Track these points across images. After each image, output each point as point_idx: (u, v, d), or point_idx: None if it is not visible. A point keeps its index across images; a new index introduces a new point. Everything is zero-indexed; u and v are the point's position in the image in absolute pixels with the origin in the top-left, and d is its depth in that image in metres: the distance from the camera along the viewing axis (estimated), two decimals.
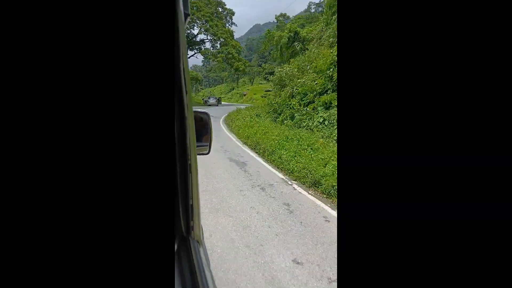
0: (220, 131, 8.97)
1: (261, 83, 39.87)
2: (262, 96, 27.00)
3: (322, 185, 3.61)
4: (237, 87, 43.36)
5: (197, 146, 1.26)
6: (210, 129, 1.25)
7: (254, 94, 31.16)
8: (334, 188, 3.43)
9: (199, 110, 1.26)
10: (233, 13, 29.59)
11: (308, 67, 9.60)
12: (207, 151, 1.28)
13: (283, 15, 38.04)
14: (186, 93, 0.42)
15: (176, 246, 0.47)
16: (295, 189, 3.77)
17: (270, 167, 4.85)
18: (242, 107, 16.39)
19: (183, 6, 0.52)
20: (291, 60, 12.34)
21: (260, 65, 50.90)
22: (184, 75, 0.41)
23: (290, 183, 4.02)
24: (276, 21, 38.41)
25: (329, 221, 2.81)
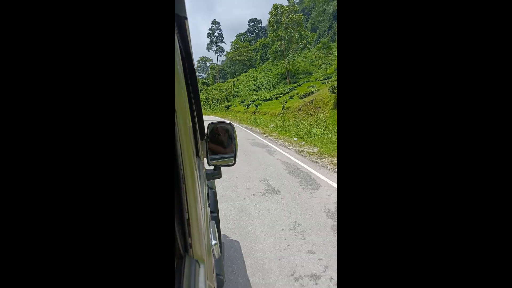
0: None
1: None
2: None
3: None
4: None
5: (222, 158, 1.24)
6: (235, 140, 1.21)
7: None
8: None
9: (223, 121, 1.23)
10: None
11: None
12: (233, 162, 1.23)
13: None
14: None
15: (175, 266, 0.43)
16: None
17: None
18: None
19: (179, 9, 0.51)
20: None
21: None
22: (181, 78, 0.38)
23: None
24: None
25: None
